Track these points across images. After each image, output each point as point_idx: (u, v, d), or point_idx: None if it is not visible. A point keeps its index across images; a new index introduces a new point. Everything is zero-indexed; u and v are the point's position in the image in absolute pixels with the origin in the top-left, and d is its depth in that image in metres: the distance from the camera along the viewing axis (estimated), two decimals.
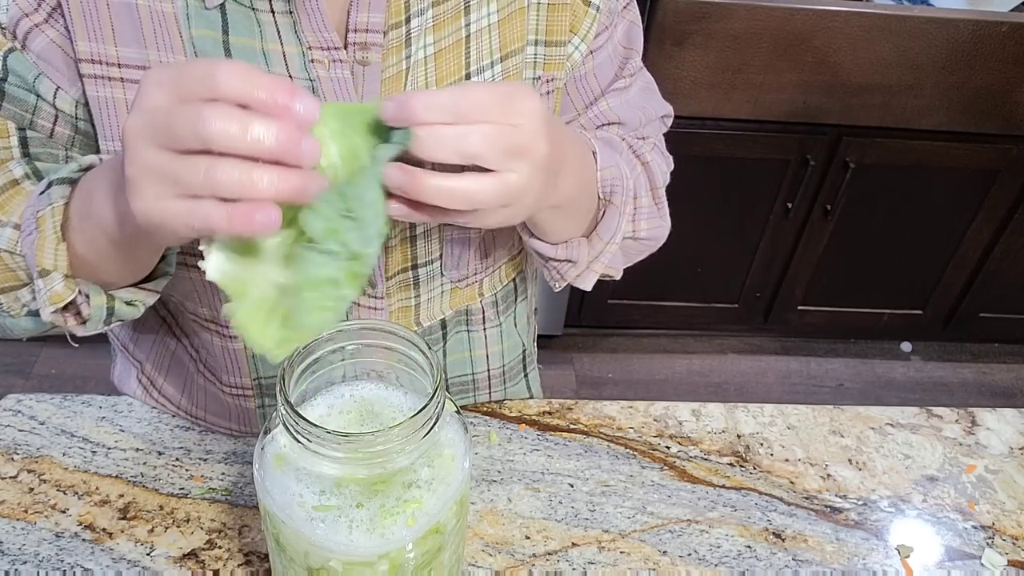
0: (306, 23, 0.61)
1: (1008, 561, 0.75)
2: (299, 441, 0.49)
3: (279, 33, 0.61)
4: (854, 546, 0.75)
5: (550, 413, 0.85)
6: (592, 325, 2.17)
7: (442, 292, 0.76)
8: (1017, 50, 1.67)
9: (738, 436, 0.84)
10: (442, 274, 0.74)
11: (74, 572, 0.67)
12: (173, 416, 0.81)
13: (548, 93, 0.71)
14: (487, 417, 0.84)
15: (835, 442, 0.85)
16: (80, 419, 0.79)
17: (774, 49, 1.66)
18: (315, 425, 0.48)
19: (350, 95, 0.63)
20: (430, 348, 0.54)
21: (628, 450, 0.82)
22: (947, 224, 1.98)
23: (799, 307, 2.14)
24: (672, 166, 0.82)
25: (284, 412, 0.49)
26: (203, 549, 0.70)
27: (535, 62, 0.69)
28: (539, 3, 0.68)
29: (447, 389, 0.84)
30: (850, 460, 0.83)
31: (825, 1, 1.62)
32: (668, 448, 0.82)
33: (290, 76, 0.62)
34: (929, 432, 0.87)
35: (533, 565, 0.71)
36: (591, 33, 0.71)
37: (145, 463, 0.76)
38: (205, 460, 0.77)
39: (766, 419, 0.86)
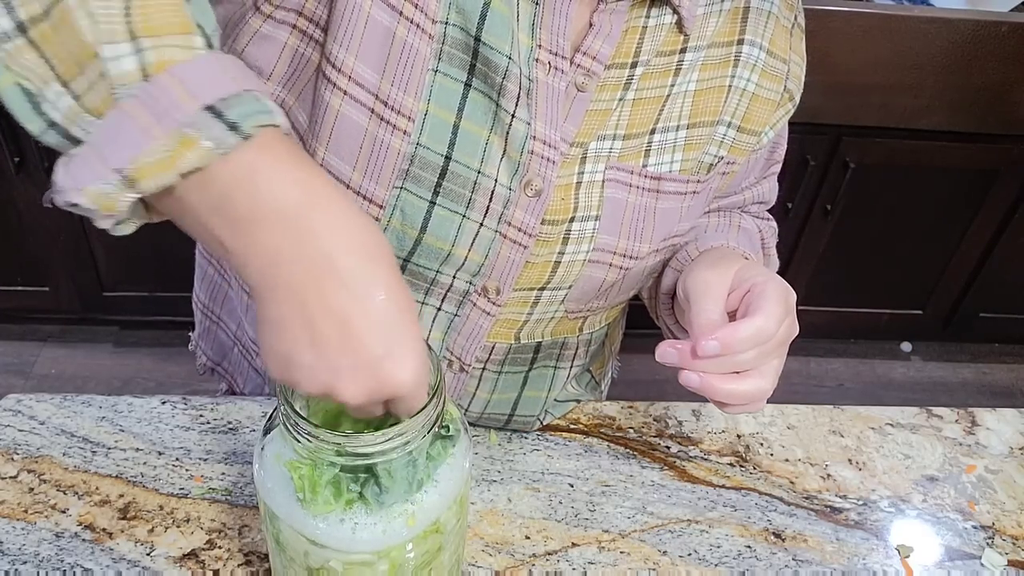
0: (547, 20, 0.60)
1: (1008, 561, 0.75)
2: (299, 441, 0.49)
3: (519, 18, 0.60)
4: (854, 546, 0.75)
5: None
6: None
7: (552, 317, 0.74)
8: (1017, 50, 1.67)
9: (738, 436, 0.84)
10: (562, 302, 0.72)
11: (74, 572, 0.67)
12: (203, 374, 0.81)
13: (724, 174, 0.73)
14: None
15: (835, 442, 0.85)
16: (80, 419, 0.79)
17: None
18: (315, 425, 0.48)
19: (558, 110, 0.63)
20: (431, 349, 0.54)
21: (628, 450, 0.82)
22: (947, 224, 1.97)
23: (798, 307, 2.13)
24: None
25: (284, 412, 0.49)
26: (203, 549, 0.70)
27: (722, 142, 0.70)
28: (745, 90, 0.68)
29: (507, 424, 0.82)
30: (850, 460, 0.83)
31: (825, 1, 1.62)
32: (668, 448, 0.82)
33: (509, 58, 0.60)
34: (929, 432, 0.87)
35: (533, 565, 0.71)
36: (781, 122, 0.74)
37: (145, 463, 0.76)
38: (205, 460, 0.77)
39: (766, 419, 0.86)
